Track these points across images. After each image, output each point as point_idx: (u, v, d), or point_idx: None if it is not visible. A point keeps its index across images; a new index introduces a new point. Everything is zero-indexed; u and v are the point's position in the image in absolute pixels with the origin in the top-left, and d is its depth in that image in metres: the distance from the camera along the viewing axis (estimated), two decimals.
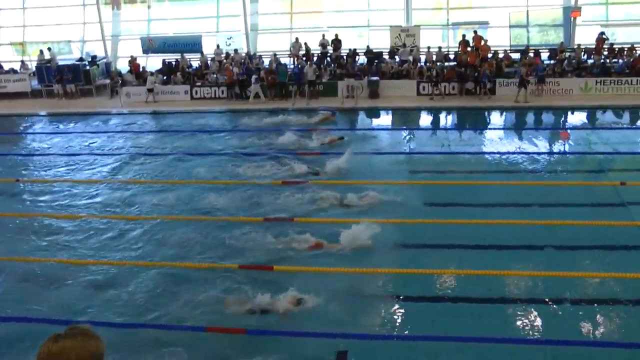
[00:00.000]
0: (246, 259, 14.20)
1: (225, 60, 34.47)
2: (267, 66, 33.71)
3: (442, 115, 29.26)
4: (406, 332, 11.60)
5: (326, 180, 19.19)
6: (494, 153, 22.31)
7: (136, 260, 14.60)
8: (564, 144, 24.66)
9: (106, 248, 15.28)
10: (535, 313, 11.92)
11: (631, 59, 32.05)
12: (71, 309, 12.52)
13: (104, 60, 38.04)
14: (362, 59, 34.50)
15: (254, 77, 31.88)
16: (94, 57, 37.76)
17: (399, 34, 35.29)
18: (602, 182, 19.22)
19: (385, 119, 29.14)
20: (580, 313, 11.96)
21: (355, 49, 34.31)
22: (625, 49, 33.15)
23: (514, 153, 22.07)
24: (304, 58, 33.72)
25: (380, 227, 14.71)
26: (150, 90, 33.09)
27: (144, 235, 15.91)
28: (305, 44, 34.98)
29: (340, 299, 12.28)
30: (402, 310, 12.27)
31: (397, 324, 11.84)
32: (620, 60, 32.53)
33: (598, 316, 11.86)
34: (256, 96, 31.89)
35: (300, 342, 11.30)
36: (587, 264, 13.95)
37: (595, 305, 12.26)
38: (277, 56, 34.21)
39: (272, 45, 38.09)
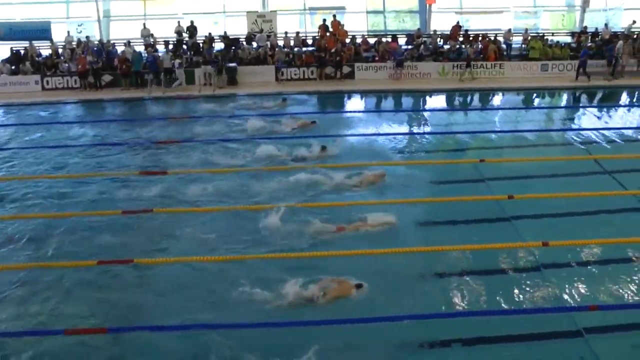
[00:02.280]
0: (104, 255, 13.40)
1: (77, 49, 32.44)
2: (120, 54, 32.01)
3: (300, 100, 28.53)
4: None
5: (189, 169, 18.60)
6: (357, 135, 22.24)
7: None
8: (426, 125, 24.69)
9: None
10: (408, 289, 11.94)
11: (480, 46, 33.19)
12: None
13: None
14: (219, 46, 33.41)
15: (177, 61, 30.49)
16: None
17: (256, 20, 34.79)
18: (463, 159, 19.71)
19: (242, 106, 27.89)
20: (447, 285, 12.10)
21: (211, 36, 33.21)
22: (480, 35, 34.03)
23: (378, 135, 22.23)
24: (153, 47, 32.39)
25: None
26: None
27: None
28: (153, 35, 33.58)
29: None
30: None
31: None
32: (475, 46, 33.31)
33: (465, 287, 12.05)
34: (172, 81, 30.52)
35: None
36: (451, 238, 14.07)
37: (462, 276, 12.41)
38: (132, 44, 32.57)
39: (126, 32, 36.34)
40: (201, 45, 33.10)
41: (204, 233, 14.30)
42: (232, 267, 12.79)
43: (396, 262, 12.90)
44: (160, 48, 33.08)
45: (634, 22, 34.95)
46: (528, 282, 12.28)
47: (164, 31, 34.76)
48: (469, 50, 32.12)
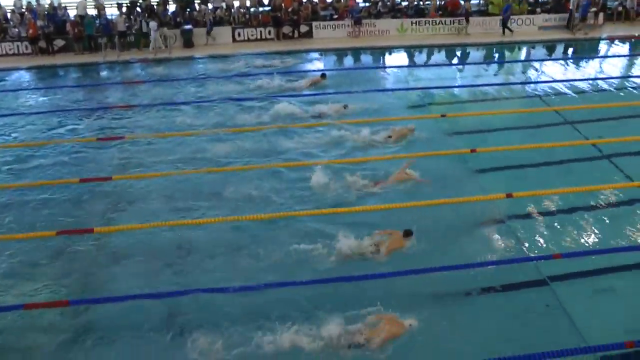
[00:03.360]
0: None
1: (27, 13, 31.39)
2: (72, 18, 31.03)
3: (259, 60, 27.75)
4: None
5: (144, 134, 18.41)
6: (321, 94, 21.87)
7: None
8: (387, 82, 24.42)
9: None
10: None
11: (443, 1, 33.05)
12: None
13: None
14: (173, 7, 32.60)
15: (152, 23, 29.71)
16: None
17: None
18: (425, 115, 19.60)
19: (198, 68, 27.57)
20: (413, 241, 11.80)
21: None
22: None
23: (339, 93, 21.78)
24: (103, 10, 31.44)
25: None
26: None
27: None
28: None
29: None
30: None
31: None
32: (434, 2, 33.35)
33: (430, 242, 11.95)
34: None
35: None
36: (415, 193, 14.02)
37: (426, 232, 12.17)
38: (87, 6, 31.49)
39: None
40: (155, 7, 32.27)
41: (165, 198, 14.16)
42: (195, 232, 12.70)
43: (357, 219, 12.82)
44: (114, 11, 32.15)
45: None
46: (493, 234, 12.47)
47: None
48: (466, 6, 32.13)
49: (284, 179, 14.94)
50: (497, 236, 12.41)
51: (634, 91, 22.68)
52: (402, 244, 11.61)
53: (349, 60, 28.98)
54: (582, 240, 12.29)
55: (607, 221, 13.17)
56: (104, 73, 27.33)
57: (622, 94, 22.50)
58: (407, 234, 11.65)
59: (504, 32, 31.50)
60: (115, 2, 32.69)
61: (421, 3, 33.41)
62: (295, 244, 11.80)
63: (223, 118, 19.58)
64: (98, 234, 12.66)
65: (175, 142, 17.46)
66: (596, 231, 12.72)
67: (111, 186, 14.87)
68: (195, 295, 10.49)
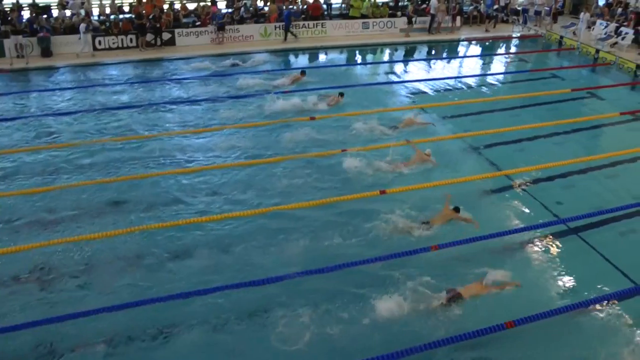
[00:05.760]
0: None
1: None
2: None
3: (115, 70, 27.31)
4: None
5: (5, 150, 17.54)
6: (182, 102, 21.80)
7: None
8: (255, 86, 23.83)
9: None
10: None
11: (305, 6, 33.74)
12: None
13: None
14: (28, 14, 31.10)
15: (83, 25, 28.53)
16: None
17: None
18: (294, 118, 19.69)
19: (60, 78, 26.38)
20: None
21: (20, 3, 30.89)
22: None
23: (200, 100, 22.02)
24: None
25: None
26: None
27: None
28: None
29: None
30: None
31: None
32: (297, 7, 33.98)
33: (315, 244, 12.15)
34: None
35: None
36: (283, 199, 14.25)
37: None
38: None
39: None
40: (8, 12, 30.61)
41: (33, 217, 13.61)
42: (68, 251, 12.23)
43: None
44: None
45: None
46: (370, 231, 12.68)
47: None
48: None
49: (155, 188, 15.00)
50: (372, 231, 12.65)
51: (492, 87, 23.99)
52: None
53: (212, 66, 27.55)
54: (458, 230, 12.79)
55: (480, 209, 13.94)
56: None
57: (482, 90, 23.66)
58: (457, 210, 13.01)
59: (286, 37, 31.98)
60: None
61: (284, 7, 33.56)
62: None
63: (88, 128, 19.02)
64: None
65: (40, 156, 16.77)
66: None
67: None
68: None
